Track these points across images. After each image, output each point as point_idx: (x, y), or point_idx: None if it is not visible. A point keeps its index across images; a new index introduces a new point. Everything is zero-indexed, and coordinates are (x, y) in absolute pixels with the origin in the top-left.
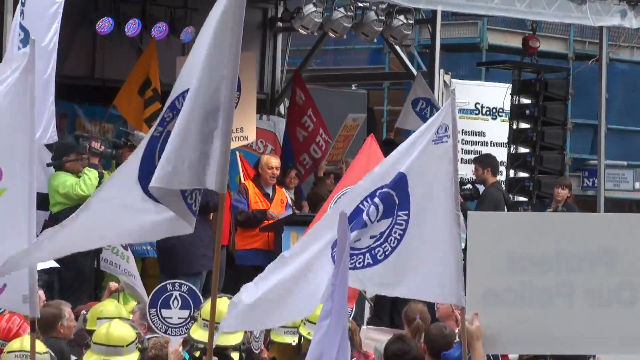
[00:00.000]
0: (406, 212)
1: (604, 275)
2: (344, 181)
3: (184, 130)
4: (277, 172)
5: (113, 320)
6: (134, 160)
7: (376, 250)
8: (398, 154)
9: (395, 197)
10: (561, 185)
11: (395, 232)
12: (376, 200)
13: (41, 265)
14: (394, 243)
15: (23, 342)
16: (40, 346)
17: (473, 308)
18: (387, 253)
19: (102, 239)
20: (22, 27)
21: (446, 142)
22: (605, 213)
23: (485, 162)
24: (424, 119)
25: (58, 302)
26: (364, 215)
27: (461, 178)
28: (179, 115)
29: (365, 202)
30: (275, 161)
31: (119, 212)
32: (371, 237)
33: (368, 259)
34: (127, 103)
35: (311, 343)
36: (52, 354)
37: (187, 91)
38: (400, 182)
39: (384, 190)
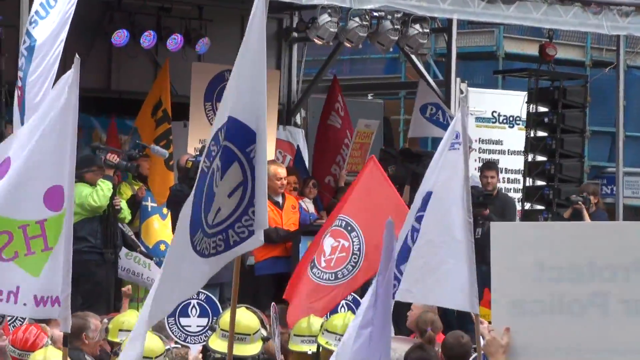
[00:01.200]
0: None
1: None
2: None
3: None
4: (286, 182)
5: None
6: (188, 201)
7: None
8: (427, 173)
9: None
10: (586, 192)
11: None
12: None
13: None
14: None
15: (46, 353)
16: (57, 356)
17: (499, 319)
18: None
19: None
20: (28, 34)
21: (457, 149)
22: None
23: (498, 169)
24: (436, 123)
25: (85, 313)
26: (409, 242)
27: (476, 187)
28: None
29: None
30: (282, 171)
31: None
32: None
33: None
34: (142, 124)
35: (350, 351)
36: None
37: (227, 123)
38: (428, 199)
39: (421, 214)
